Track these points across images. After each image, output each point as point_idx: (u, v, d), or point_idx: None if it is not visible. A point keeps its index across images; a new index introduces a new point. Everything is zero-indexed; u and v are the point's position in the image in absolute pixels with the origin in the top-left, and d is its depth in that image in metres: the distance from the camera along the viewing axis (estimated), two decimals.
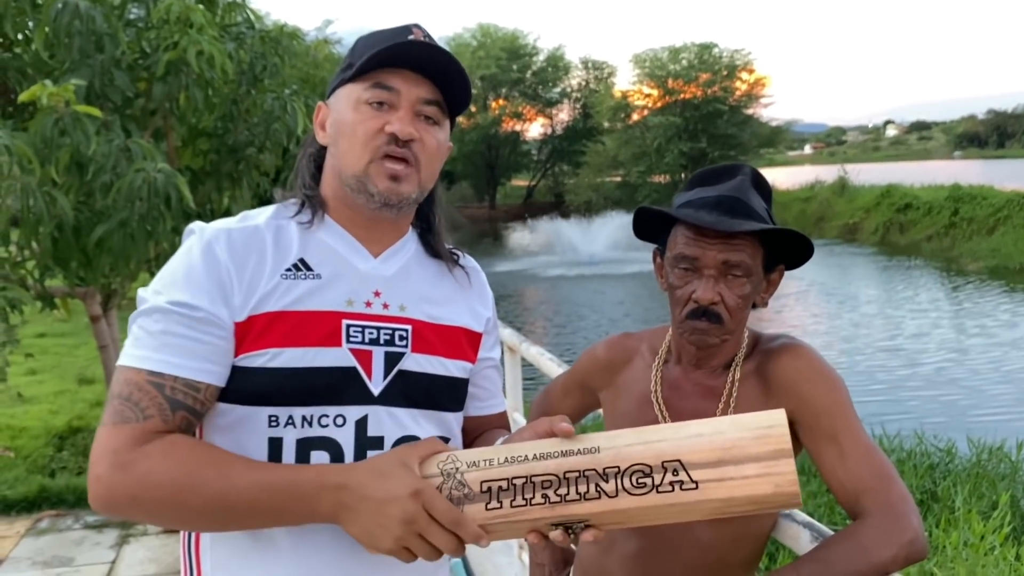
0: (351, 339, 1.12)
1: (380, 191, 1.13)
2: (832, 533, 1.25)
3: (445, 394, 1.21)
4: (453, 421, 1.24)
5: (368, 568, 1.12)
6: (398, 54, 1.12)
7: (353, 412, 1.12)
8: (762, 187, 1.39)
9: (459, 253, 1.31)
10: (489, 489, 1.00)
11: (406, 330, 1.17)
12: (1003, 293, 15.75)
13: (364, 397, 1.12)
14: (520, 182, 45.59)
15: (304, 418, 1.09)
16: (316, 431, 1.09)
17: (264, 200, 6.35)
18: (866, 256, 21.80)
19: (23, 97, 3.38)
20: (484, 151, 40.38)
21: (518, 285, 18.11)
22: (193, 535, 1.16)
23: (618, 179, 36.67)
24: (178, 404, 1.04)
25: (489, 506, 0.99)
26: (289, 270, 1.12)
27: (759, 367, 1.37)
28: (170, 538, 4.04)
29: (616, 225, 25.25)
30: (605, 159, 36.36)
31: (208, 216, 5.09)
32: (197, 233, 1.13)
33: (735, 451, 0.98)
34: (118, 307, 5.38)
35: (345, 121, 1.14)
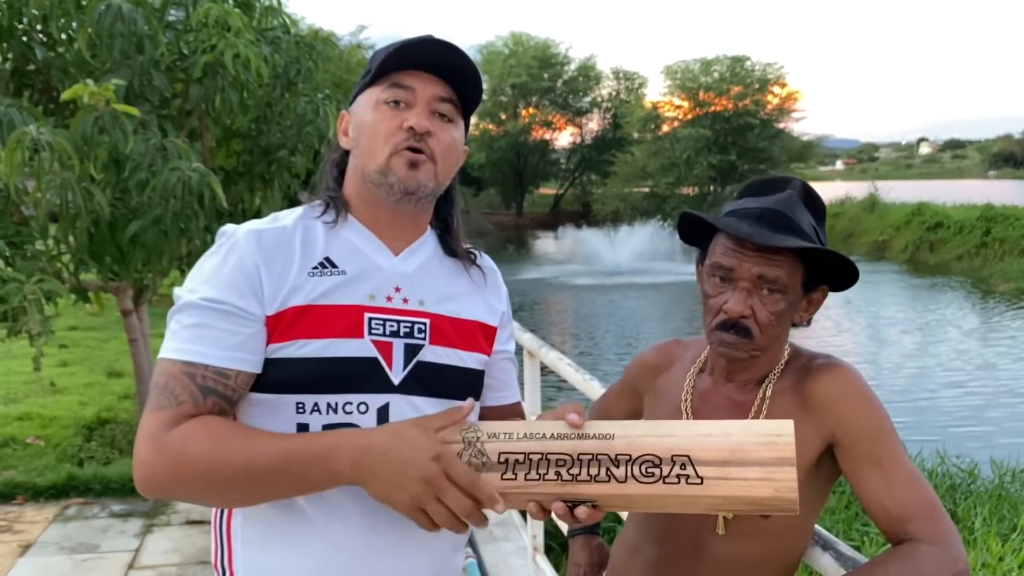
0: (373, 331, 1.19)
1: (400, 178, 1.19)
2: (865, 561, 1.23)
3: (462, 384, 1.27)
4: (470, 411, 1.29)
5: (395, 545, 1.19)
6: (413, 53, 1.20)
7: (375, 400, 1.18)
8: (814, 203, 1.37)
9: (476, 252, 1.37)
10: (506, 460, 1.07)
11: (424, 323, 1.24)
12: None
13: (385, 386, 1.19)
14: (548, 190, 45.61)
15: (329, 405, 1.16)
16: (341, 417, 1.16)
17: (293, 202, 6.46)
18: (893, 274, 21.58)
19: (65, 95, 3.49)
20: (513, 159, 40.45)
21: (542, 293, 18.19)
22: (225, 515, 1.23)
23: (646, 190, 36.51)
24: (209, 390, 1.12)
25: (504, 476, 1.06)
26: (315, 268, 1.20)
27: (796, 385, 1.33)
28: (193, 529, 4.12)
29: (642, 236, 25.21)
30: (634, 169, 36.22)
31: (240, 216, 5.18)
32: (229, 234, 1.20)
33: (741, 453, 1.02)
34: (149, 302, 5.49)
35: (366, 121, 1.22)
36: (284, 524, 1.17)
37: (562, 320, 15.77)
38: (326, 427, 1.15)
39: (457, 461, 1.05)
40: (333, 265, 1.21)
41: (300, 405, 1.16)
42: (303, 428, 1.15)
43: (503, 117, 40.39)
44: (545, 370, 3.25)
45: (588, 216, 34.93)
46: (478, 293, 1.35)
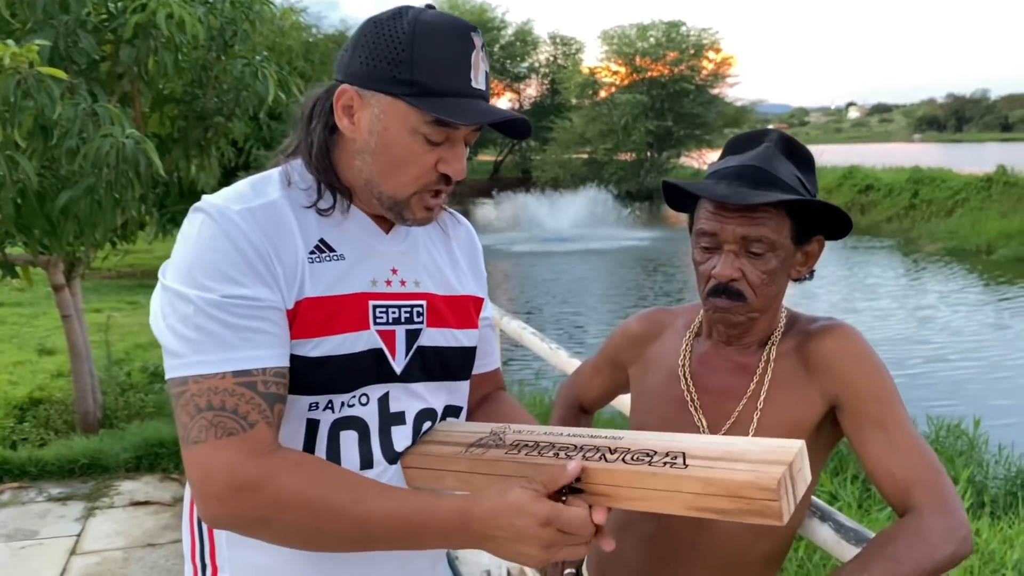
0: (377, 320, 1.13)
1: (416, 219, 1.13)
2: (870, 535, 1.20)
3: (458, 364, 1.24)
4: (464, 388, 1.27)
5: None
6: (467, 111, 1.05)
7: (376, 390, 1.14)
8: (795, 153, 1.30)
9: (453, 213, 1.31)
10: (516, 443, 1.11)
11: (422, 305, 1.19)
12: (960, 273, 16.07)
13: (388, 376, 1.14)
14: (487, 157, 45.36)
15: (343, 402, 1.11)
16: (346, 412, 1.12)
17: (228, 171, 6.24)
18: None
19: None
20: None
21: (485, 260, 17.93)
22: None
23: (585, 156, 36.64)
24: (274, 398, 1.02)
25: (508, 452, 1.09)
26: (313, 252, 1.10)
27: (799, 347, 1.30)
28: (138, 511, 3.98)
29: (582, 202, 25.29)
30: (572, 136, 36.26)
31: (175, 185, 4.98)
32: (218, 212, 1.05)
33: (736, 455, 0.98)
34: (82, 276, 5.26)
35: (397, 143, 1.07)
36: None
37: (504, 287, 15.74)
38: (335, 423, 1.11)
39: (566, 514, 0.98)
40: (331, 249, 1.11)
41: (313, 404, 1.10)
42: (312, 424, 1.10)
43: None
44: (504, 336, 3.19)
45: (528, 183, 34.84)
46: (466, 261, 1.30)
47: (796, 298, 13.30)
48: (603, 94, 37.59)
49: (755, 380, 1.32)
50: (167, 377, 1.02)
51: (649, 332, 1.50)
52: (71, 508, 4.04)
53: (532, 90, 43.06)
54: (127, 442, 4.64)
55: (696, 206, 1.33)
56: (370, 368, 1.12)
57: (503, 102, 42.86)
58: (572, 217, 23.93)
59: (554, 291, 14.76)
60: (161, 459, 4.56)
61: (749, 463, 0.95)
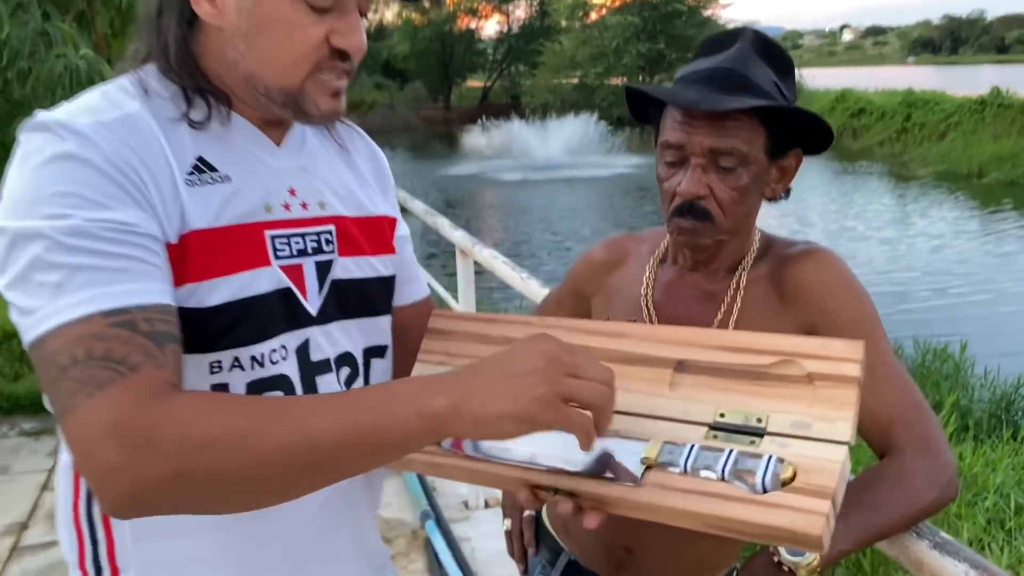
0: (279, 254, 0.94)
1: (322, 112, 0.93)
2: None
3: (378, 297, 1.07)
4: (386, 324, 1.10)
5: (316, 540, 1.01)
6: None
7: (292, 339, 0.95)
8: (772, 55, 1.16)
9: (347, 123, 1.12)
10: None
11: (330, 231, 1.00)
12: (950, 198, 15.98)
13: (302, 319, 0.96)
14: (475, 83, 44.53)
15: (253, 358, 0.91)
16: (268, 370, 0.93)
17: None
18: (815, 159, 21.90)
19: None
20: (438, 49, 39.12)
21: (471, 189, 17.86)
22: (95, 501, 0.95)
23: (575, 81, 35.98)
24: (162, 337, 0.78)
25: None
26: (192, 174, 0.89)
27: (773, 273, 1.19)
28: None
29: (572, 128, 24.91)
30: (562, 60, 35.54)
31: None
32: (59, 129, 0.82)
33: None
34: None
35: (274, 18, 0.87)
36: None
37: (493, 217, 15.58)
38: (252, 386, 0.91)
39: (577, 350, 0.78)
40: (212, 168, 0.91)
41: (215, 364, 0.89)
42: (220, 389, 0.89)
43: (427, 5, 38.84)
44: (476, 266, 3.09)
45: (517, 109, 34.29)
46: (372, 176, 1.12)
47: (792, 224, 13.23)
48: (593, 16, 36.75)
49: (723, 309, 1.21)
50: (25, 345, 0.78)
51: (612, 260, 1.37)
52: (43, 443, 3.97)
53: (521, 12, 42.00)
54: None
55: (662, 116, 1.19)
56: (278, 312, 0.93)
57: (491, 26, 41.94)
58: (562, 144, 23.57)
59: (544, 221, 14.61)
60: None
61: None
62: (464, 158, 24.16)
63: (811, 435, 0.83)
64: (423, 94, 41.06)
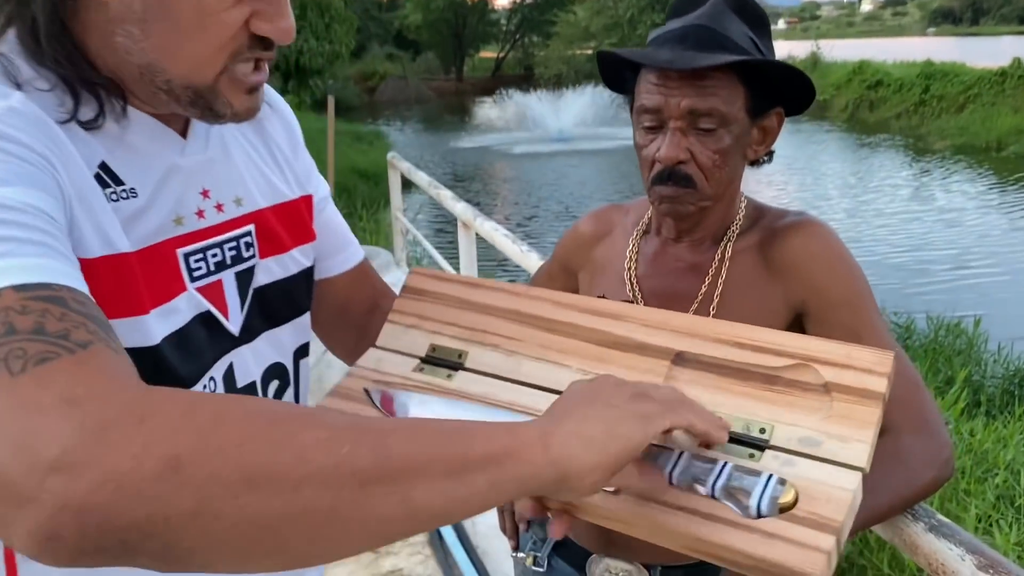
0: (195, 273, 0.81)
1: (236, 112, 0.77)
2: None
3: (302, 293, 0.97)
4: (307, 318, 1.00)
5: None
6: None
7: (218, 368, 0.84)
8: (746, 11, 1.11)
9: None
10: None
11: (249, 233, 0.88)
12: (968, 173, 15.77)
13: (225, 343, 0.85)
14: (488, 54, 44.20)
15: None
16: None
17: None
18: (834, 132, 21.65)
19: None
20: (451, 19, 38.79)
21: (483, 162, 17.77)
22: None
23: (589, 51, 35.66)
24: (103, 323, 0.59)
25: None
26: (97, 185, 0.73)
27: (762, 244, 1.14)
28: None
29: (586, 100, 24.73)
30: (576, 30, 35.22)
31: None
32: None
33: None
34: None
35: (181, 2, 0.70)
36: None
37: (504, 190, 15.50)
38: None
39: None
40: (117, 181, 0.75)
41: None
42: None
43: None
44: (478, 239, 3.06)
45: (531, 80, 34.06)
46: (289, 149, 0.97)
47: (810, 199, 13.10)
48: None
49: (708, 281, 1.16)
50: None
51: (597, 232, 1.32)
52: None
53: None
54: None
55: (637, 81, 1.14)
56: (201, 342, 0.81)
57: None
58: (576, 116, 23.43)
59: (557, 194, 14.53)
60: None
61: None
62: (476, 130, 24.06)
63: (820, 455, 0.73)
64: (435, 65, 40.85)
